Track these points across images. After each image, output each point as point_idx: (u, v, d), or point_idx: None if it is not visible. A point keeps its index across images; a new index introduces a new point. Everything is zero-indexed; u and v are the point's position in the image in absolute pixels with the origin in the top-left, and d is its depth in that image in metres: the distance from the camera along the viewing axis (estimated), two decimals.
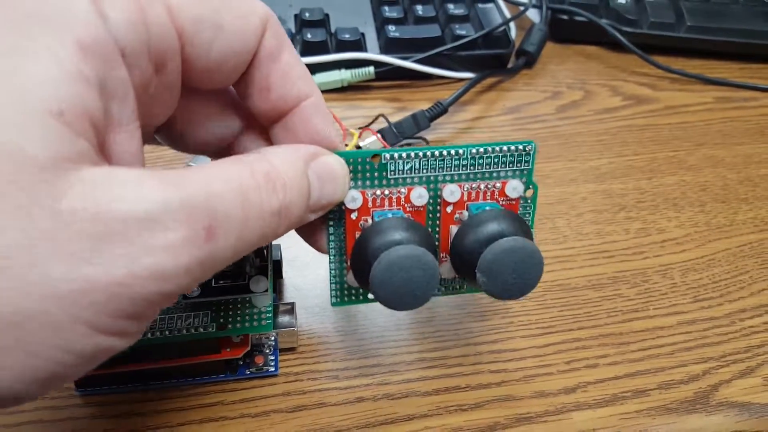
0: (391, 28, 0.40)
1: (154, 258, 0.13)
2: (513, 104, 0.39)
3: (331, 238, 0.21)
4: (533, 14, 0.46)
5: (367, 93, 0.39)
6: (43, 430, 0.22)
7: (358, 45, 0.39)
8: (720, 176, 0.34)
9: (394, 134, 0.34)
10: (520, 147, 0.20)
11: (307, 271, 0.28)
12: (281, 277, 0.27)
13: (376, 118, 0.34)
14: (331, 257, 0.21)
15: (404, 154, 0.20)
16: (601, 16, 0.44)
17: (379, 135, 0.33)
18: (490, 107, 0.39)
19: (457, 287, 0.23)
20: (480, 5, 0.43)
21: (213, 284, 0.22)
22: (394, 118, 0.34)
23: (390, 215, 0.20)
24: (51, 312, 0.12)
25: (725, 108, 0.40)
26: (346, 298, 0.22)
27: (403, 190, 0.20)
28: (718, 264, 0.29)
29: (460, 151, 0.20)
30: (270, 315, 0.22)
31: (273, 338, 0.24)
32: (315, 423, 0.22)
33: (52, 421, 0.22)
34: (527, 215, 0.22)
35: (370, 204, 0.20)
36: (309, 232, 0.21)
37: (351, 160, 0.19)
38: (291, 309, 0.24)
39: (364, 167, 0.20)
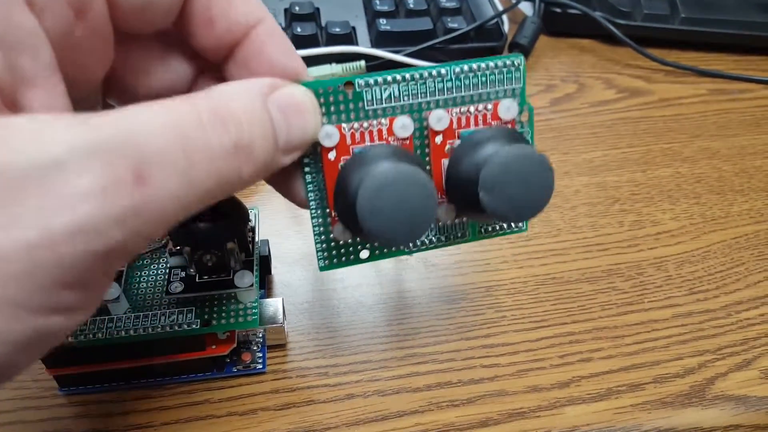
0: (382, 21, 0.39)
1: (72, 210, 0.11)
2: None
3: (310, 187, 0.18)
4: (526, 7, 0.45)
5: None
6: (25, 431, 0.21)
7: (349, 38, 0.38)
8: (715, 168, 0.34)
9: None
10: (508, 61, 0.18)
11: (296, 267, 0.27)
12: (270, 273, 0.27)
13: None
14: (313, 210, 0.19)
15: (380, 79, 0.17)
16: (594, 9, 0.43)
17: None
18: None
19: (459, 235, 0.20)
20: None
21: (197, 280, 0.22)
22: None
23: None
24: None
25: (720, 100, 0.39)
26: (335, 260, 0.19)
27: (384, 121, 0.18)
28: (714, 256, 0.29)
29: (443, 71, 0.18)
30: (256, 311, 0.22)
31: (261, 335, 0.24)
32: (304, 421, 0.22)
33: (35, 421, 0.21)
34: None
35: (348, 140, 0.18)
36: (283, 181, 0.18)
37: (320, 90, 0.17)
38: (279, 305, 0.23)
39: (336, 98, 0.17)
